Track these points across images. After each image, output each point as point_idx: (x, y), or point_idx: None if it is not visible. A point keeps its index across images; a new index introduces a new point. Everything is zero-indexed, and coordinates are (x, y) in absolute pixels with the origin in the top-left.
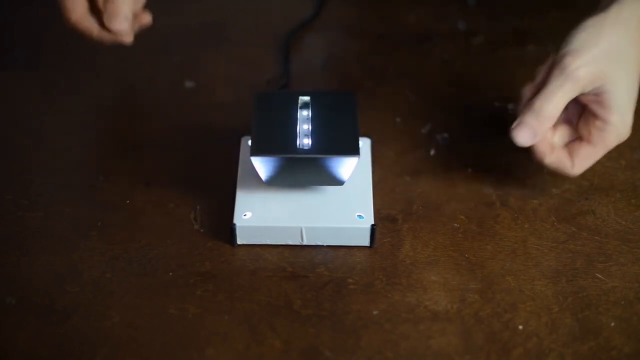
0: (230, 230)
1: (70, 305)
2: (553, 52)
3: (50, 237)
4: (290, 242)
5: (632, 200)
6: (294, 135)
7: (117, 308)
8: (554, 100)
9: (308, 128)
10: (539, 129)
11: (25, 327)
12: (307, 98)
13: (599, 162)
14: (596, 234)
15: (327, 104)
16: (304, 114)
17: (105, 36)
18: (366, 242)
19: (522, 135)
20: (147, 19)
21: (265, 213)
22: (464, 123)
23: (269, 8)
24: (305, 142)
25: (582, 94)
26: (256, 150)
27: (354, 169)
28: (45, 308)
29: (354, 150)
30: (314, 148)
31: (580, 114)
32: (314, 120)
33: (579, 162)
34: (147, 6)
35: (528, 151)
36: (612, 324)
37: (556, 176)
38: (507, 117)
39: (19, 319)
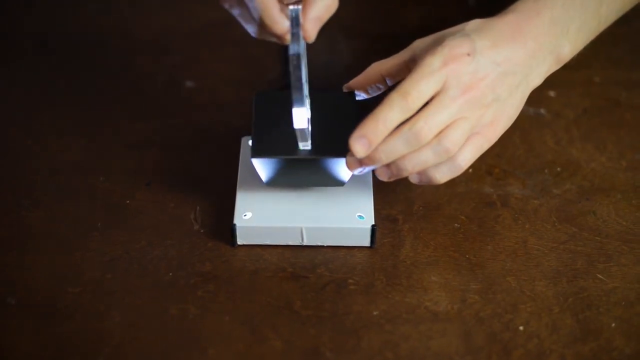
0: (230, 231)
1: (72, 305)
2: None
3: (51, 238)
4: (291, 243)
5: (632, 201)
6: (294, 136)
7: (118, 308)
8: None
9: (308, 129)
10: None
11: (26, 328)
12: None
13: (599, 163)
14: (597, 234)
15: (328, 105)
16: None
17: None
18: (366, 242)
19: None
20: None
21: (265, 213)
22: None
23: None
24: (305, 143)
25: None
26: (256, 152)
27: None
28: (47, 308)
29: None
30: (315, 149)
31: None
32: (314, 120)
33: None
34: (148, 6)
35: (528, 151)
36: (613, 324)
37: (557, 176)
38: None
39: (20, 320)
